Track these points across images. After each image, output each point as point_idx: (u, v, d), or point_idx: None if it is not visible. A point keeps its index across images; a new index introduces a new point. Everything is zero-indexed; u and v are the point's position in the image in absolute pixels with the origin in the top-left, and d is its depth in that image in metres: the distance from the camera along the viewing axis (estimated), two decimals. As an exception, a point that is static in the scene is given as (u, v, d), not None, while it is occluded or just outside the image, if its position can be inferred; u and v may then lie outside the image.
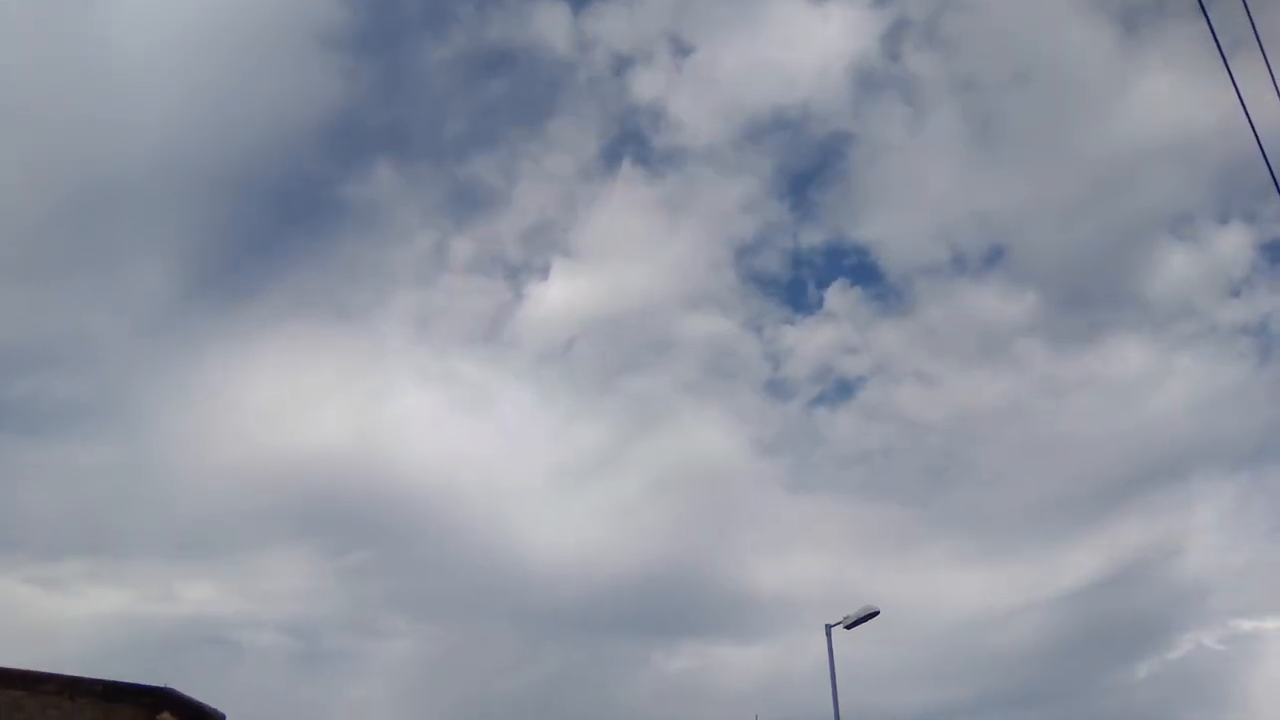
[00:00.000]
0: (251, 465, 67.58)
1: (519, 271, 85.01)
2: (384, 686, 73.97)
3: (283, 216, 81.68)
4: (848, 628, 19.05)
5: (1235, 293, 76.14)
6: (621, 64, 68.48)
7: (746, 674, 70.28)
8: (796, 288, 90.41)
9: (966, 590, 75.27)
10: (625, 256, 74.95)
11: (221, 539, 74.57)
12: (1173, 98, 60.24)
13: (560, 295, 76.55)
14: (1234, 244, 74.24)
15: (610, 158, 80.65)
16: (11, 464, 64.14)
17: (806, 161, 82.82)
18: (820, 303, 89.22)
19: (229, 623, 75.36)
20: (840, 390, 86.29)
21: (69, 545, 69.87)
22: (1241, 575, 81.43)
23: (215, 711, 11.73)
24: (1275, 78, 8.18)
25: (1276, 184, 8.20)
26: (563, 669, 78.18)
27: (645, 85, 68.50)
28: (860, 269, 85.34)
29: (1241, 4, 8.22)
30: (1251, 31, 8.26)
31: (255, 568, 73.80)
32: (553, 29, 68.55)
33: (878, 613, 18.81)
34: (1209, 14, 7.79)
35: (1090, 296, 78.49)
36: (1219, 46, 7.85)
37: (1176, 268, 72.31)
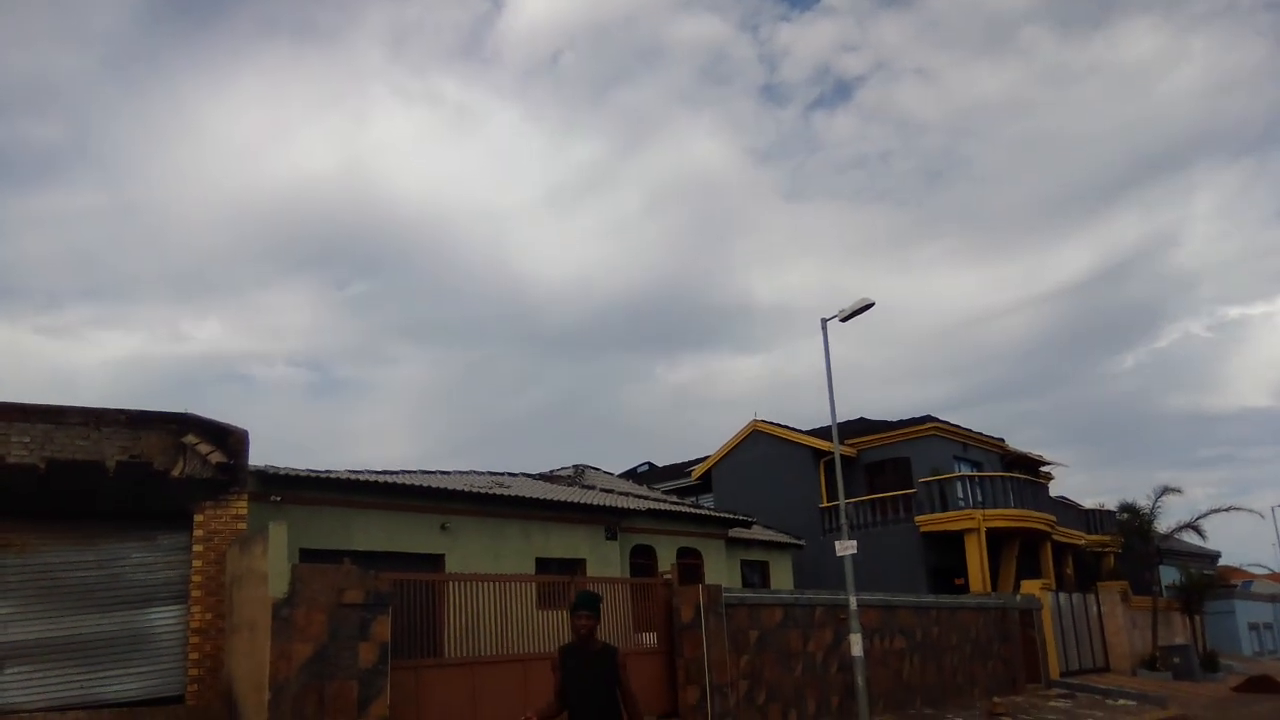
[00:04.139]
0: (241, 200, 66.25)
1: (498, -25, 78.31)
2: (397, 411, 77.38)
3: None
4: (843, 320, 19.28)
5: (1262, -40, 70.24)
6: None
7: (746, 380, 73.35)
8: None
9: (961, 289, 76.73)
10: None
11: (222, 277, 74.74)
12: None
13: (542, 1, 71.05)
14: (1271, -103, 67.18)
15: None
16: (-1, 217, 62.84)
17: None
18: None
19: (240, 358, 77.30)
20: (839, 92, 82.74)
21: (70, 293, 70.14)
22: (1234, 263, 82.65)
23: (239, 429, 12.14)
24: None
25: None
26: (569, 386, 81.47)
27: None
28: (860, -47, 78.67)
29: None
30: None
31: (259, 304, 74.60)
32: None
33: (872, 304, 18.91)
34: None
35: (1103, -26, 73.03)
36: None
37: (1199, -66, 66.21)
